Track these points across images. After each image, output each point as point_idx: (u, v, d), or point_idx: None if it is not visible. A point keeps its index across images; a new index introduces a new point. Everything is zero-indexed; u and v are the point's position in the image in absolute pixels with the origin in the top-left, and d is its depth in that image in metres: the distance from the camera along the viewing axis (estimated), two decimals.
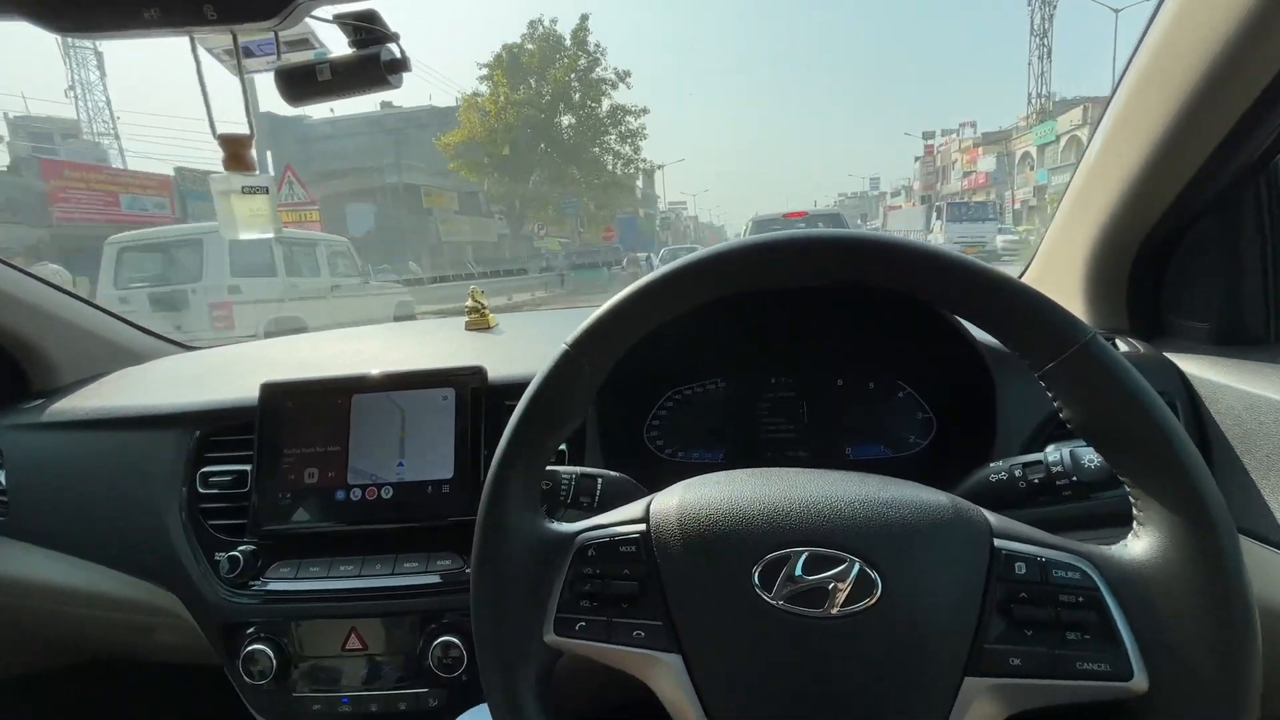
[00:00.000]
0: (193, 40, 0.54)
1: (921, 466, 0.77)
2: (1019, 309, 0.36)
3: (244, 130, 0.64)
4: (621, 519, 0.40)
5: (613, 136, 23.92)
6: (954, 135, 44.18)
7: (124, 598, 0.80)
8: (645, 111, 23.76)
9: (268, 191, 0.66)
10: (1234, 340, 0.70)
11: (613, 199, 24.95)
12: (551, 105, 22.51)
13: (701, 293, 0.40)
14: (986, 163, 35.63)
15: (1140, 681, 0.33)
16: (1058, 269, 0.85)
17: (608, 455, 0.73)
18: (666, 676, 0.36)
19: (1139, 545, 0.35)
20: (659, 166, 25.18)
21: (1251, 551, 0.57)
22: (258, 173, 0.65)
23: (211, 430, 0.80)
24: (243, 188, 0.64)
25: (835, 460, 0.80)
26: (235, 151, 0.63)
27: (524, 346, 0.92)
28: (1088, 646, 0.33)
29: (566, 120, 23.32)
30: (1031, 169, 28.74)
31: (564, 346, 0.40)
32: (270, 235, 0.68)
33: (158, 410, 0.84)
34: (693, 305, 0.40)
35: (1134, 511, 0.36)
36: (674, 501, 0.39)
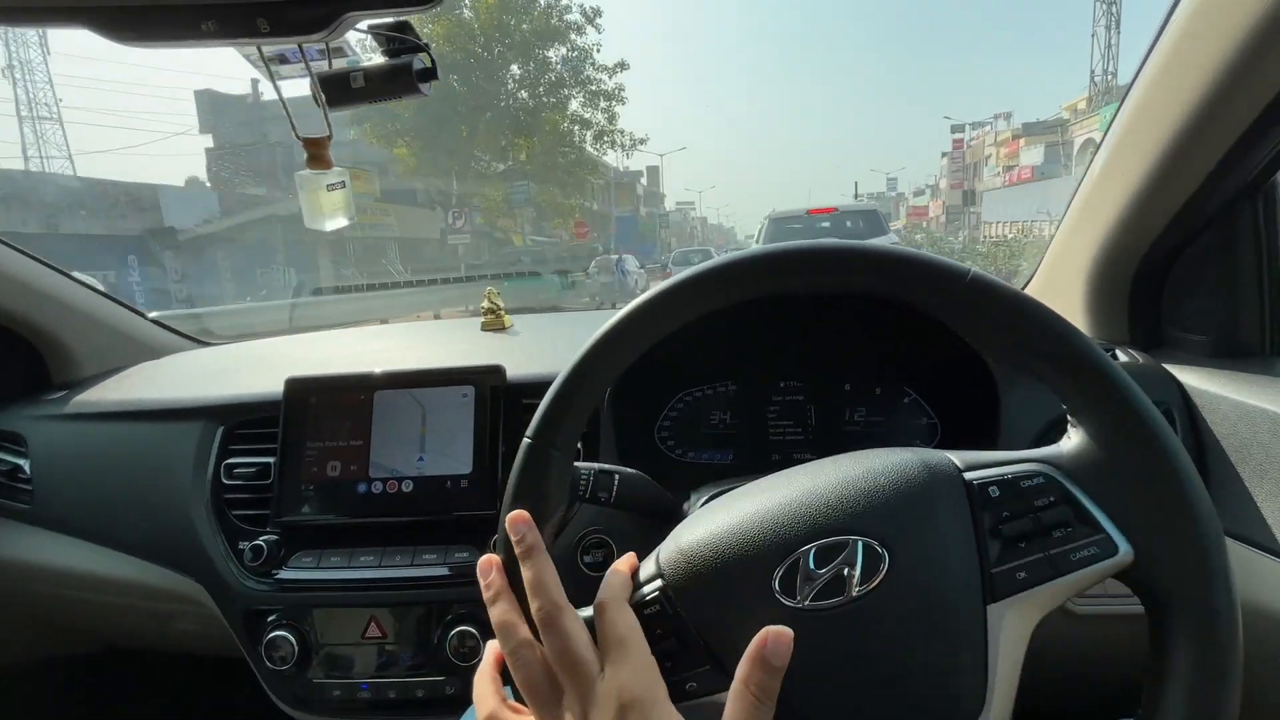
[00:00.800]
0: (260, 51, 0.57)
1: None
2: (906, 270, 0.41)
3: (323, 132, 0.68)
4: (640, 579, 0.41)
5: (578, 98, 17.25)
6: (987, 128, 40.84)
7: (147, 585, 0.82)
8: (624, 67, 17.26)
9: (345, 185, 0.72)
10: (1231, 353, 0.72)
11: (582, 184, 18.60)
12: (489, 45, 16.17)
13: (631, 355, 0.43)
14: (1032, 155, 31.88)
15: (1126, 553, 0.36)
16: (1061, 281, 0.88)
17: (621, 454, 0.75)
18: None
19: (1077, 435, 0.39)
20: (640, 141, 18.62)
21: (1245, 557, 0.59)
22: (335, 168, 0.70)
23: (236, 423, 0.82)
24: (327, 185, 0.69)
25: None
26: (317, 152, 0.68)
27: (539, 347, 0.95)
28: (1073, 538, 0.36)
29: (514, 72, 17.00)
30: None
31: (526, 440, 0.42)
32: (348, 223, 0.73)
33: (183, 403, 0.86)
34: (638, 355, 0.43)
35: (1068, 415, 0.40)
36: (679, 546, 0.40)
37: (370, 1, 0.45)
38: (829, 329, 0.81)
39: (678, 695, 0.37)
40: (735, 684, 0.35)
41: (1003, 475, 0.38)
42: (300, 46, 0.67)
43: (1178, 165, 0.65)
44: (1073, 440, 0.39)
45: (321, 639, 0.73)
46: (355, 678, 0.73)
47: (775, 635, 0.35)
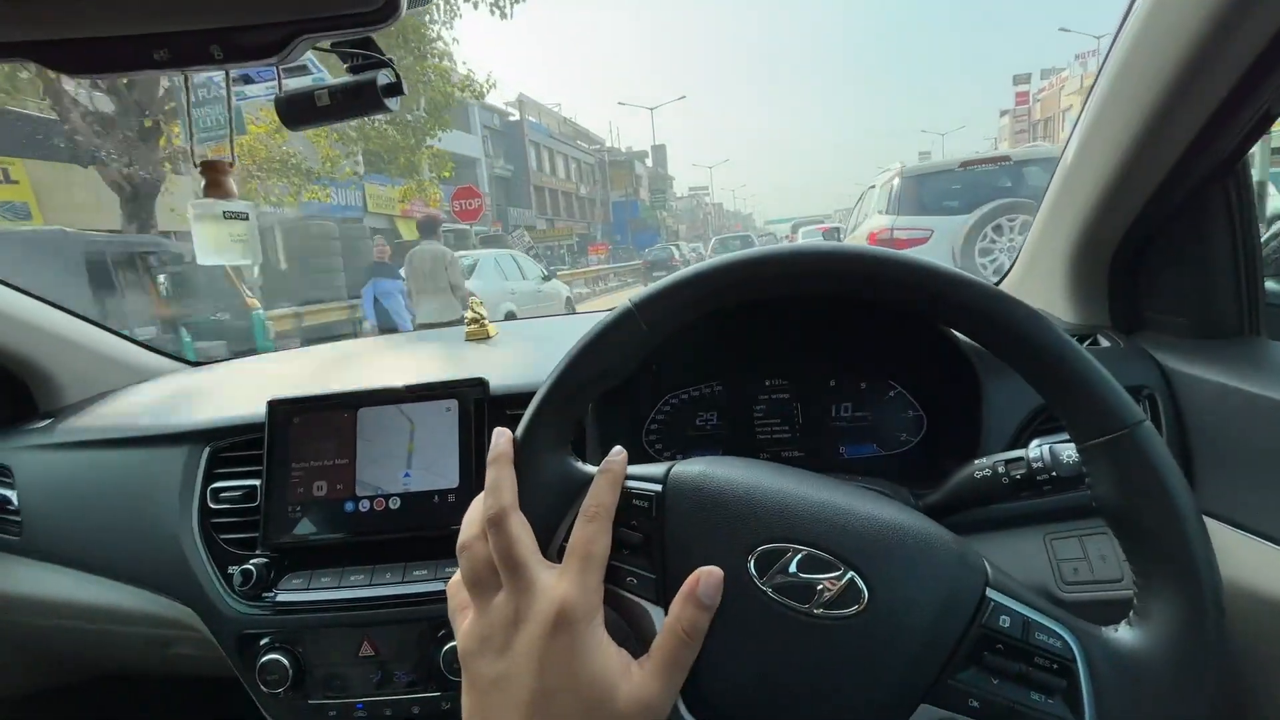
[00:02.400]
0: (185, 78, 0.56)
1: (912, 463, 0.80)
2: (1076, 378, 0.37)
3: (225, 157, 0.65)
4: (642, 474, 0.41)
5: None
6: (1064, 73, 33.40)
7: (140, 612, 0.82)
8: None
9: (247, 218, 0.67)
10: (1210, 333, 0.73)
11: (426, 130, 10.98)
12: None
13: (777, 287, 0.41)
14: None
15: None
16: (1041, 268, 0.88)
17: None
18: (646, 627, 0.38)
19: (1129, 636, 0.35)
20: (490, 85, 11.68)
21: (1228, 538, 0.60)
22: (236, 198, 0.65)
23: (221, 446, 0.82)
24: (224, 213, 0.65)
25: (829, 459, 0.82)
26: (216, 178, 0.64)
27: (524, 357, 0.95)
28: (1050, 711, 0.34)
29: None
30: None
31: (627, 303, 0.41)
32: (248, 262, 0.69)
33: (167, 428, 0.85)
34: (764, 295, 0.41)
35: (1134, 601, 0.37)
36: (694, 470, 0.40)
37: (322, 25, 0.44)
38: (812, 326, 0.81)
39: (614, 579, 0.38)
40: (667, 621, 0.36)
41: (1023, 614, 0.36)
42: (278, 68, 0.67)
43: (1150, 148, 0.65)
44: (1122, 637, 0.36)
45: (315, 660, 0.73)
46: (351, 697, 0.73)
47: (706, 574, 0.36)
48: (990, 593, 0.36)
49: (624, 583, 0.38)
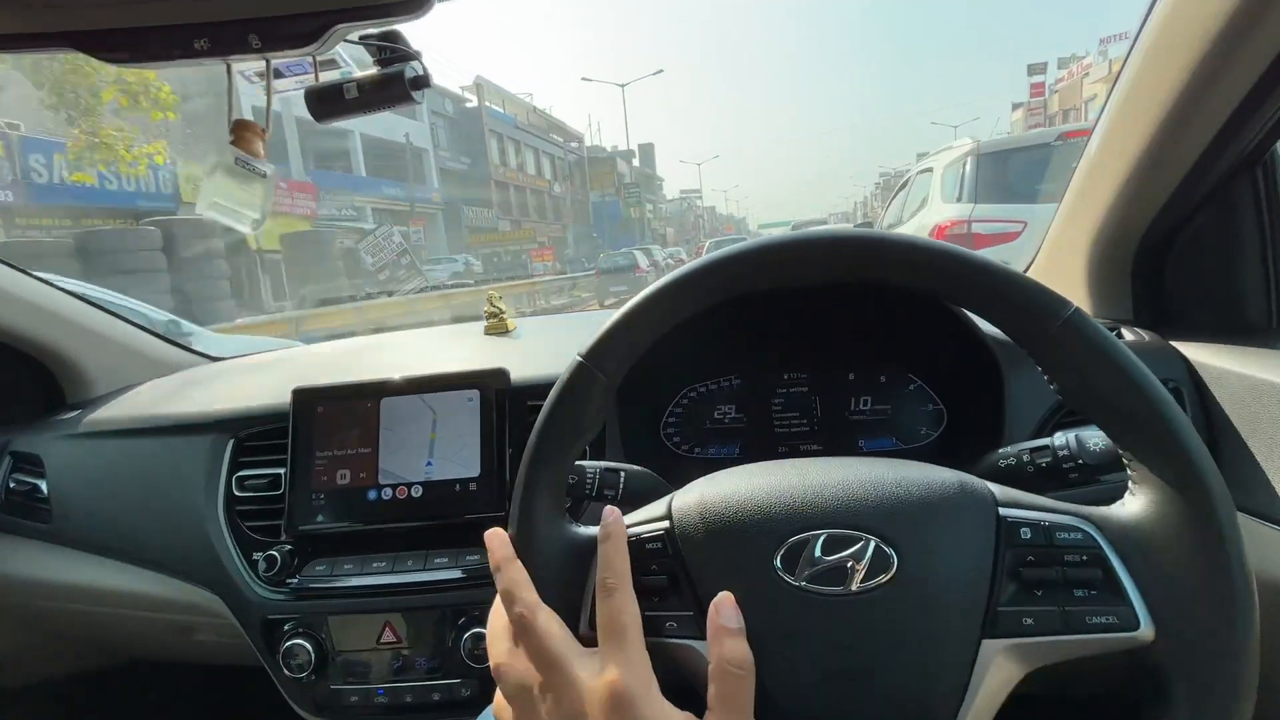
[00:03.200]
0: (229, 68, 0.57)
1: (932, 457, 0.79)
2: (1003, 292, 0.39)
3: (262, 124, 0.63)
4: (645, 518, 0.41)
5: None
6: (1086, 59, 31.23)
7: (166, 598, 0.83)
8: None
9: (265, 176, 0.63)
10: (1237, 328, 0.72)
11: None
12: None
13: (710, 296, 0.42)
14: None
15: (1146, 631, 0.35)
16: (1063, 260, 0.87)
17: (627, 452, 0.75)
18: (700, 662, 0.37)
19: (1135, 504, 0.37)
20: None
21: (1257, 531, 0.59)
22: (263, 159, 0.62)
23: (246, 435, 0.83)
24: (236, 159, 0.61)
25: (848, 452, 0.82)
26: (245, 136, 0.61)
27: (542, 349, 0.95)
28: (1095, 601, 0.35)
29: None
30: None
31: (577, 358, 0.42)
32: (245, 229, 0.65)
33: (194, 417, 0.87)
34: (702, 308, 0.42)
35: (1128, 472, 0.38)
36: (694, 497, 0.41)
37: (357, 14, 0.45)
38: (830, 318, 0.81)
39: (654, 630, 0.38)
40: (710, 666, 0.35)
41: (1039, 520, 0.37)
42: (314, 59, 0.66)
43: (1175, 139, 0.64)
44: (1128, 508, 0.37)
45: (338, 646, 0.74)
46: (372, 683, 0.74)
47: (717, 603, 0.36)
48: (1003, 511, 0.38)
49: (664, 630, 0.38)
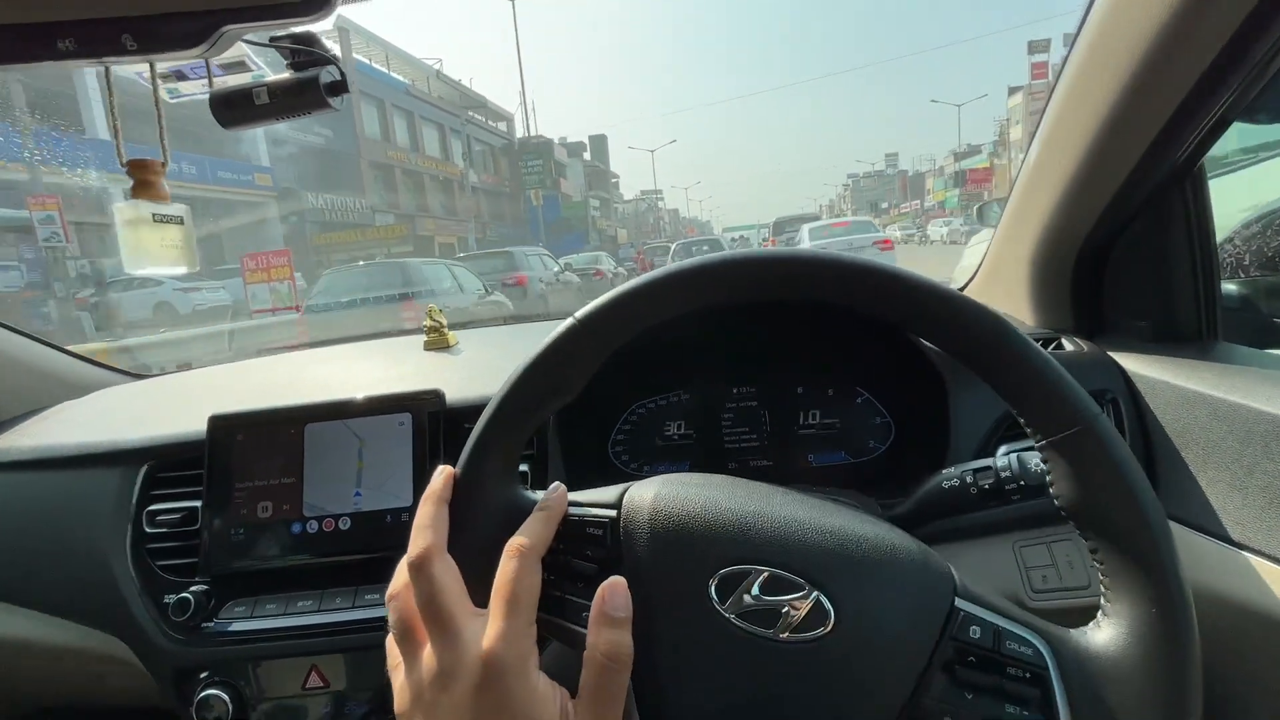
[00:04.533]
0: (106, 70, 0.52)
1: (880, 471, 0.79)
2: (1032, 376, 0.36)
3: (156, 157, 0.60)
4: (596, 500, 0.39)
5: None
6: None
7: (71, 647, 0.76)
8: None
9: (182, 222, 0.62)
10: (1171, 338, 0.73)
11: None
12: None
13: (717, 295, 0.40)
14: None
15: None
16: (1005, 272, 0.88)
17: (571, 474, 0.72)
18: None
19: (1100, 636, 0.35)
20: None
21: (1187, 540, 0.59)
22: (170, 202, 0.60)
23: (158, 466, 0.77)
24: (154, 215, 0.60)
25: (798, 467, 0.81)
26: (145, 178, 0.59)
27: (485, 366, 0.91)
28: None
29: None
30: None
31: (572, 319, 0.39)
32: (182, 270, 0.64)
33: (99, 447, 0.80)
34: (704, 305, 0.40)
35: (1102, 601, 0.36)
36: (649, 494, 0.38)
37: (249, 14, 0.41)
38: (778, 332, 0.80)
39: (570, 616, 0.36)
40: (585, 651, 0.34)
41: (993, 623, 0.35)
42: (208, 62, 0.63)
43: (1108, 152, 0.65)
44: (1091, 639, 0.35)
45: (259, 694, 0.69)
46: None
47: (610, 587, 0.35)
48: (959, 603, 0.35)
49: (579, 618, 0.36)
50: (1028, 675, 0.34)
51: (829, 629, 0.34)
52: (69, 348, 1.13)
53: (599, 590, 0.35)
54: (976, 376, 0.38)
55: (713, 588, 0.35)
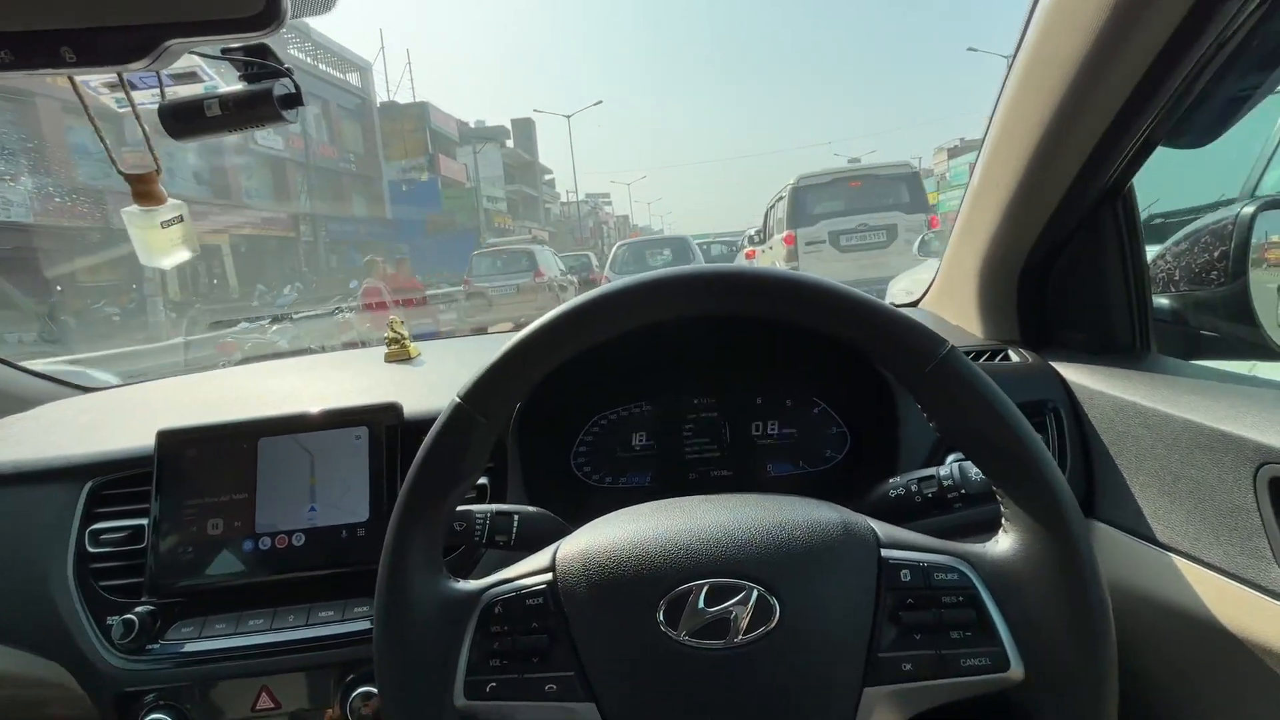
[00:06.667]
0: (73, 80, 0.52)
1: (838, 480, 0.80)
2: (883, 330, 0.39)
3: (149, 165, 0.64)
4: (528, 570, 0.40)
5: None
6: None
7: (9, 673, 0.73)
8: None
9: (183, 219, 0.68)
10: (1108, 349, 0.76)
11: None
12: None
13: (593, 335, 0.40)
14: None
15: (1017, 671, 0.35)
16: (956, 288, 0.91)
17: (531, 488, 0.72)
18: None
19: (1006, 541, 0.38)
20: None
21: (1123, 543, 0.62)
22: (168, 202, 0.66)
23: (103, 483, 0.75)
24: (162, 224, 0.65)
25: (757, 477, 0.82)
26: (144, 189, 0.64)
27: (445, 378, 0.91)
28: (969, 643, 0.36)
29: None
30: None
31: (455, 399, 0.40)
32: (189, 256, 0.70)
33: (39, 464, 0.77)
34: (585, 348, 0.41)
35: (1001, 510, 0.39)
36: (579, 547, 0.39)
37: (194, 29, 0.41)
38: (738, 343, 0.81)
39: (534, 694, 0.36)
40: None
41: (919, 561, 0.37)
42: (159, 73, 0.63)
43: (1045, 172, 0.68)
44: (1000, 545, 0.38)
45: (207, 716, 0.67)
46: None
47: None
48: (885, 553, 0.38)
49: (544, 693, 0.36)
50: (960, 599, 0.37)
51: (775, 621, 0.35)
52: (11, 360, 1.09)
53: None
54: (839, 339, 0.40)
55: (661, 617, 0.36)
